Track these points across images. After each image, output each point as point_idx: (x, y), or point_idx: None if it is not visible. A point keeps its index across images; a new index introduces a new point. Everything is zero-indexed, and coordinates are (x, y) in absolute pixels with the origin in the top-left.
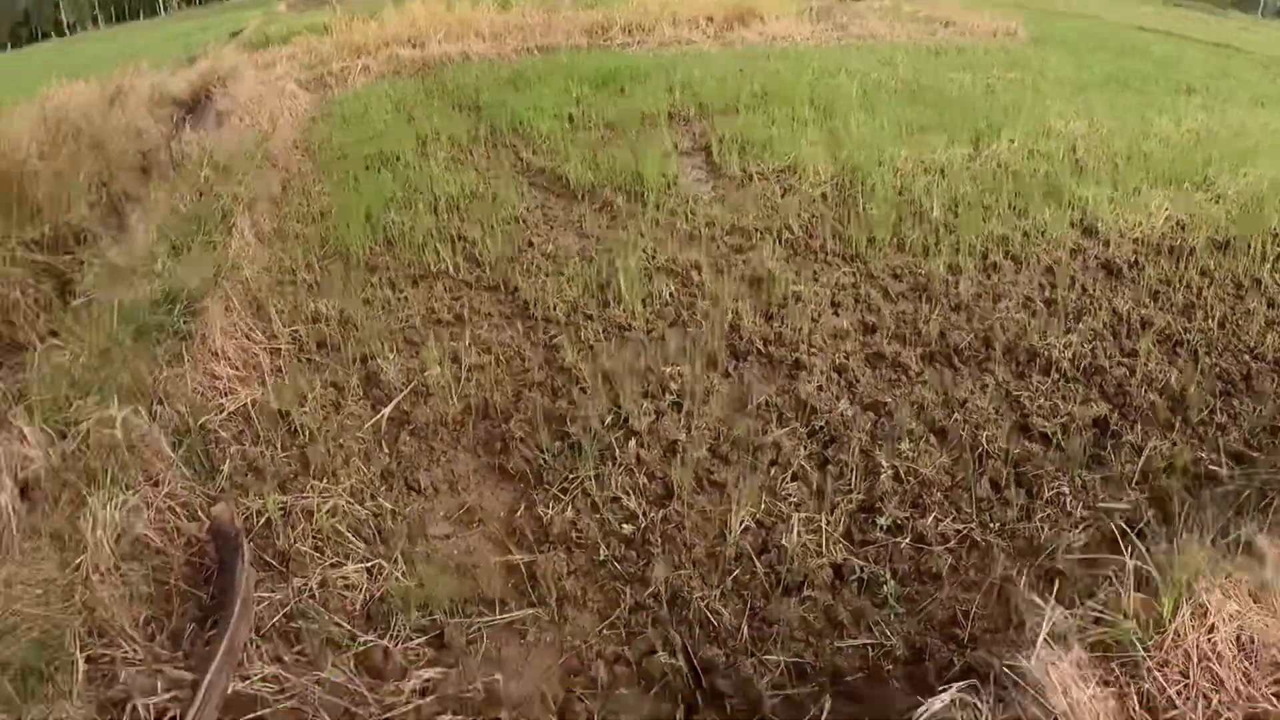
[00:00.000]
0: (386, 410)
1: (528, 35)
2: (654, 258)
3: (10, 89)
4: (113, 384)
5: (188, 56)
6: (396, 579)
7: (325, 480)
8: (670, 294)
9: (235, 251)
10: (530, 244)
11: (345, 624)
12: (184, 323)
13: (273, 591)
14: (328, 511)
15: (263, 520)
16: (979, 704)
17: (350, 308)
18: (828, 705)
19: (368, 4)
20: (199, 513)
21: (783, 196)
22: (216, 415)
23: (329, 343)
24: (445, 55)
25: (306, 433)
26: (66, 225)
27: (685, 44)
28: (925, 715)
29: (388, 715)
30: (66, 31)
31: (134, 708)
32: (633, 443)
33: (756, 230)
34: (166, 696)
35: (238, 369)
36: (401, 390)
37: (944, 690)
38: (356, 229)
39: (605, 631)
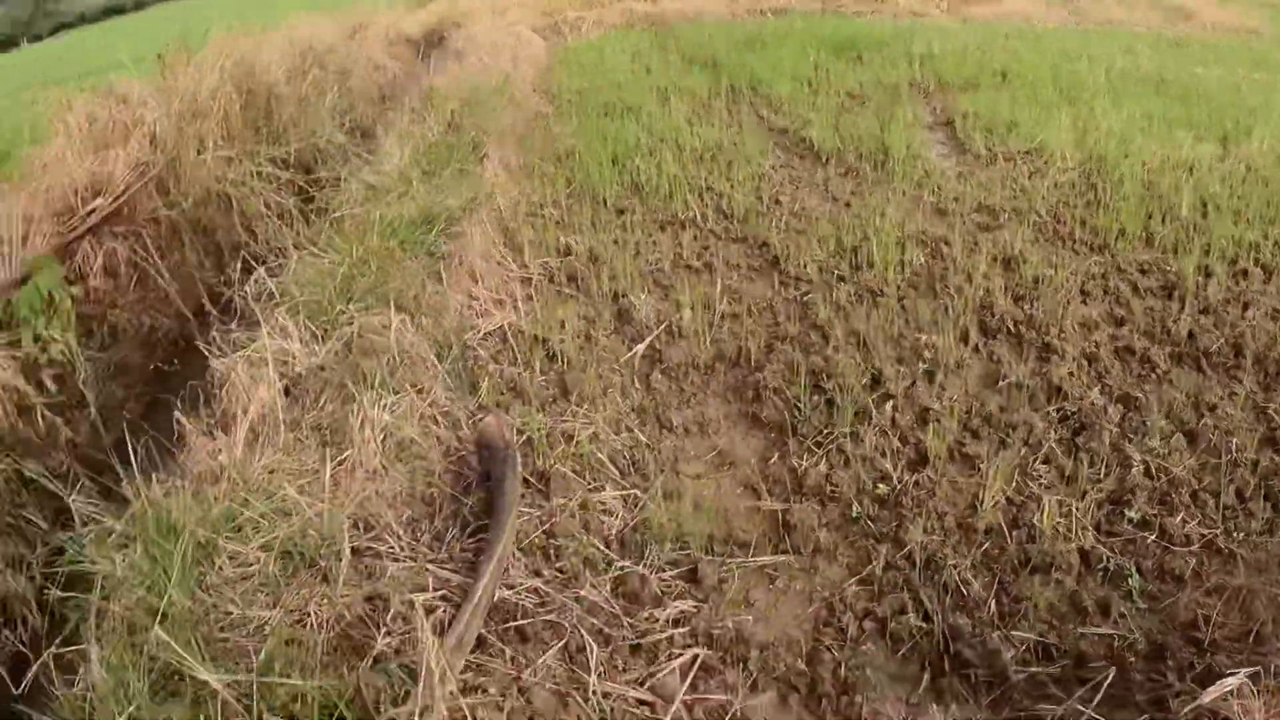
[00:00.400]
0: (641, 347)
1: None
2: (903, 227)
3: (255, 14)
4: (378, 292)
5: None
6: (652, 511)
7: (585, 407)
8: (921, 264)
9: (488, 180)
10: (777, 201)
11: (602, 547)
12: (441, 243)
13: (533, 508)
14: (588, 438)
15: (523, 439)
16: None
17: (599, 246)
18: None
19: None
20: (460, 424)
21: (1029, 179)
22: (474, 334)
23: (579, 277)
24: (679, 12)
25: (564, 359)
26: (311, 147)
27: (919, 16)
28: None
29: (640, 639)
30: None
31: (399, 602)
32: (889, 405)
33: (1004, 210)
34: (436, 595)
35: (493, 292)
36: (654, 330)
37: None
38: (603, 172)
39: (856, 587)
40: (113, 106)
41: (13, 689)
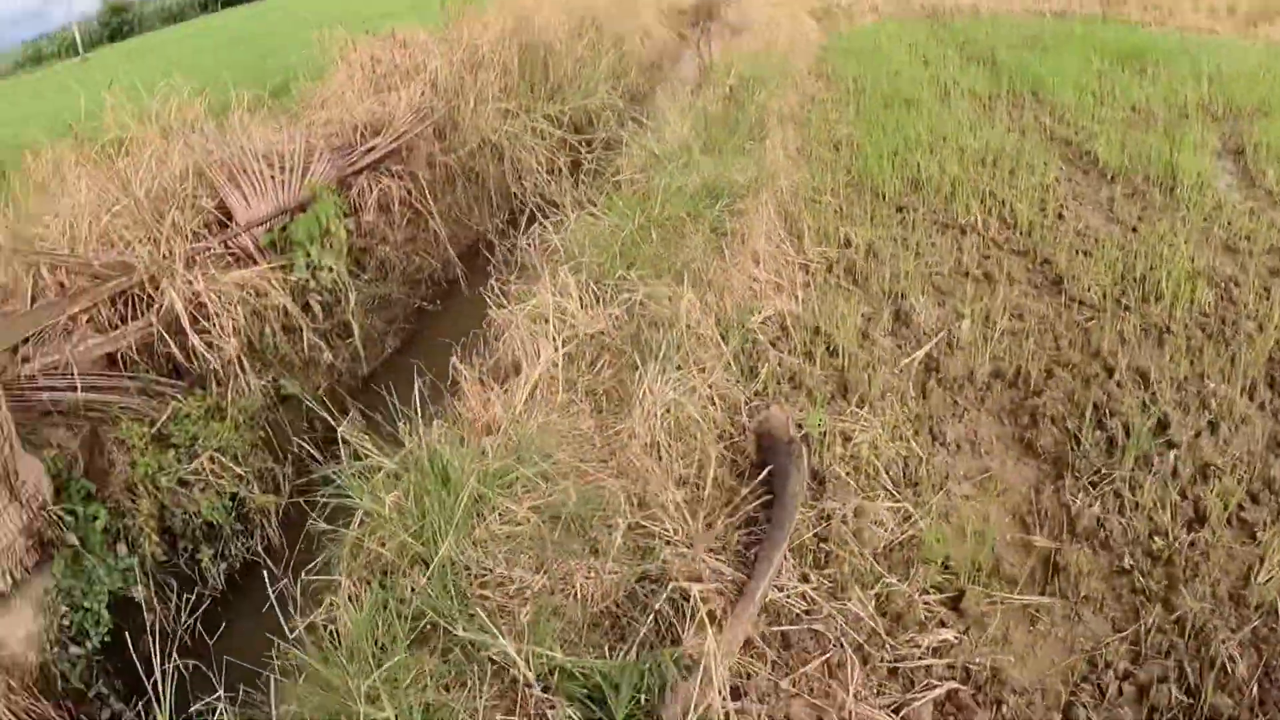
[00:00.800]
0: (920, 353)
1: None
2: (1194, 262)
3: None
4: (662, 261)
5: None
6: (922, 529)
7: (865, 409)
8: (1210, 304)
9: (770, 161)
10: (1060, 216)
11: (871, 560)
12: (725, 220)
13: (806, 509)
14: (866, 443)
15: (801, 434)
16: None
17: (879, 242)
18: None
19: None
20: (739, 408)
21: None
22: (755, 318)
23: (858, 272)
24: (955, 5)
25: (845, 356)
26: (583, 108)
27: (1206, 31)
28: None
29: (899, 663)
30: None
31: (672, 588)
32: (1172, 455)
33: None
34: (711, 586)
35: (773, 276)
36: (932, 336)
37: None
38: (882, 165)
39: (1119, 644)
40: (395, 50)
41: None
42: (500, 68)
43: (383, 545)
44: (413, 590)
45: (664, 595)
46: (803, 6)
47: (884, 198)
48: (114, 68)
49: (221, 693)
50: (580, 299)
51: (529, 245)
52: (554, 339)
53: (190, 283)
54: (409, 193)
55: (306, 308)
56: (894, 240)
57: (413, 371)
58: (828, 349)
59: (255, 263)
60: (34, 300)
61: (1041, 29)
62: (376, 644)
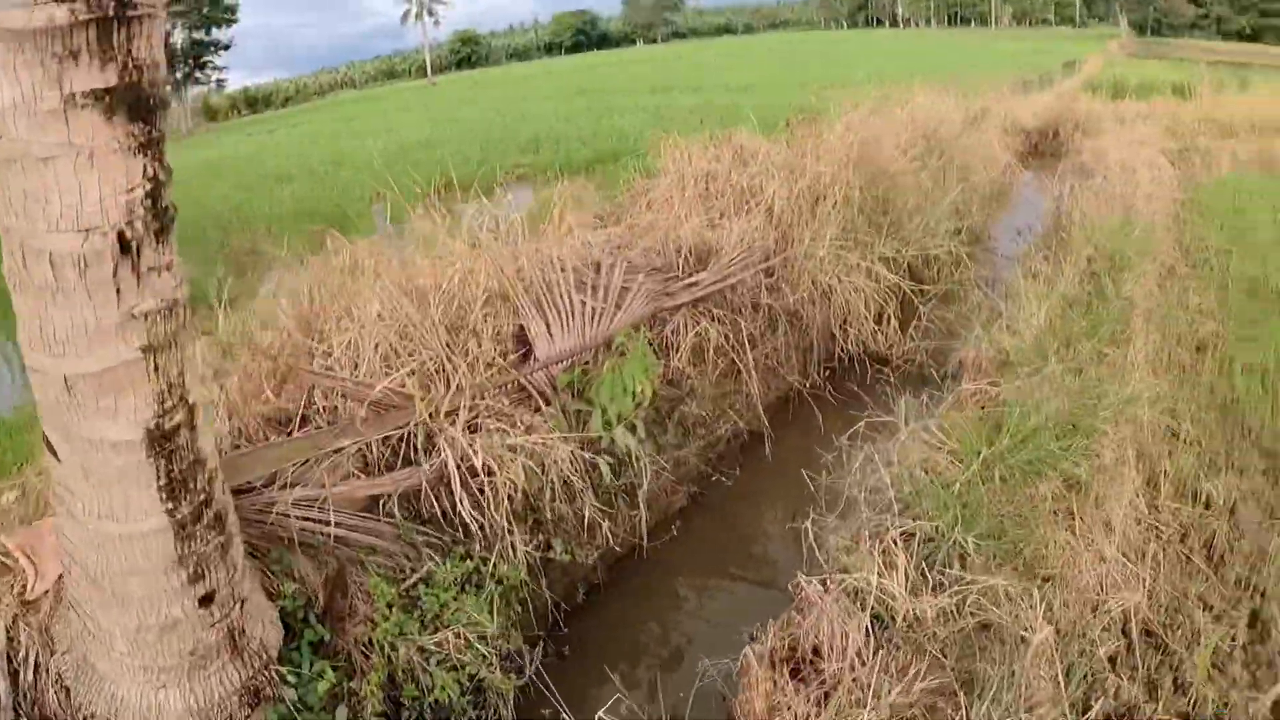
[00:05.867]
0: (1269, 698)
1: None
2: None
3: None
4: (1002, 537)
5: (1021, 80)
6: None
7: None
8: None
9: (1131, 377)
10: None
11: None
12: (1073, 464)
13: None
14: None
15: None
16: None
17: (1241, 504)
18: None
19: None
20: None
21: None
22: (1097, 623)
23: (1214, 548)
24: None
25: (1195, 694)
26: (921, 248)
27: None
28: None
29: None
30: (900, 24)
31: None
32: None
33: None
34: None
35: (1123, 558)
36: None
37: None
38: (1250, 387)
39: None
40: (732, 167)
41: None
42: (841, 199)
43: None
44: None
45: None
46: (1158, 146)
47: (1253, 436)
48: (459, 94)
49: None
50: (906, 574)
51: (851, 482)
52: (866, 631)
53: (469, 436)
54: (727, 339)
55: (594, 467)
56: (1259, 505)
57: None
58: (1174, 681)
59: (547, 402)
60: (304, 423)
61: None
62: None
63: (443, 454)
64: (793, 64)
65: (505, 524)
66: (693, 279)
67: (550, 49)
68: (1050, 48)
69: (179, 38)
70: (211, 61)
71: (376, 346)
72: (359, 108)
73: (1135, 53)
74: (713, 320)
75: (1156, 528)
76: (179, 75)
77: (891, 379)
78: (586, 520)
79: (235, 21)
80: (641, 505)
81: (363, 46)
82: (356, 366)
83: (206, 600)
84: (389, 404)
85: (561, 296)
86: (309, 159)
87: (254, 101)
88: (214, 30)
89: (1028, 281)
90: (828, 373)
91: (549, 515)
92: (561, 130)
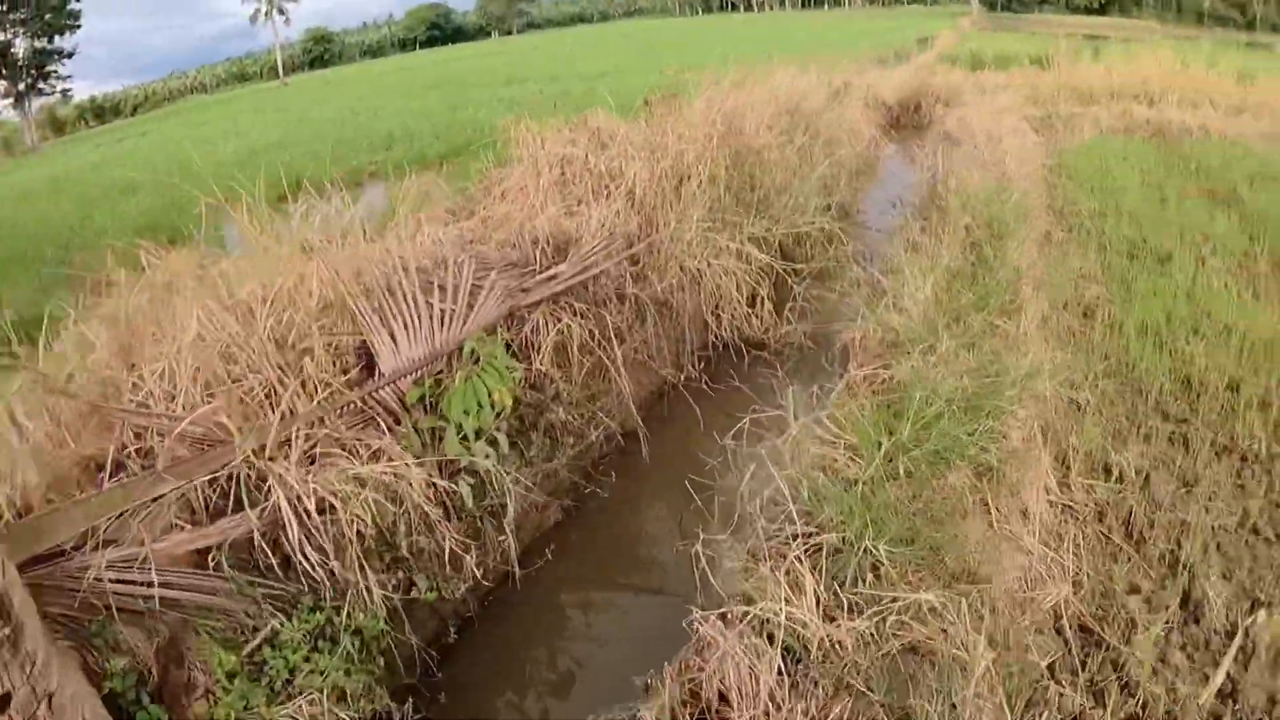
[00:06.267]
0: (1213, 684)
1: (1276, 120)
2: None
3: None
4: (918, 539)
5: (878, 57)
6: None
7: None
8: None
9: (1026, 349)
10: None
11: None
12: (991, 451)
13: None
14: None
15: None
16: None
17: (1153, 474)
18: None
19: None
20: None
21: None
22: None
23: (1134, 524)
24: (1182, 124)
25: (1144, 693)
26: (792, 226)
27: None
28: None
29: None
30: (755, 8)
31: None
32: None
33: None
34: None
35: (1045, 543)
36: (1230, 642)
37: None
38: (1143, 350)
39: None
40: (589, 151)
41: None
42: (706, 178)
43: None
44: None
45: None
46: (1021, 114)
47: (1151, 400)
48: (312, 93)
49: None
50: (816, 596)
51: (743, 490)
52: (779, 670)
53: (306, 469)
54: (592, 335)
55: (454, 490)
56: (1170, 473)
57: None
58: (1119, 681)
59: (397, 421)
60: (118, 469)
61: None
62: None
63: (275, 495)
64: (649, 49)
65: (356, 567)
66: (551, 272)
67: (405, 45)
68: (904, 25)
69: (20, 47)
70: (55, 71)
71: (196, 373)
72: (210, 112)
73: (987, 27)
74: (575, 315)
75: (1071, 508)
76: (21, 87)
77: (770, 364)
78: (450, 551)
79: (79, 28)
80: (509, 529)
81: (214, 49)
82: (173, 399)
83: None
84: (213, 439)
85: (407, 301)
86: (156, 168)
87: (102, 111)
88: (57, 38)
89: (909, 255)
90: (703, 363)
91: (408, 550)
92: (415, 125)
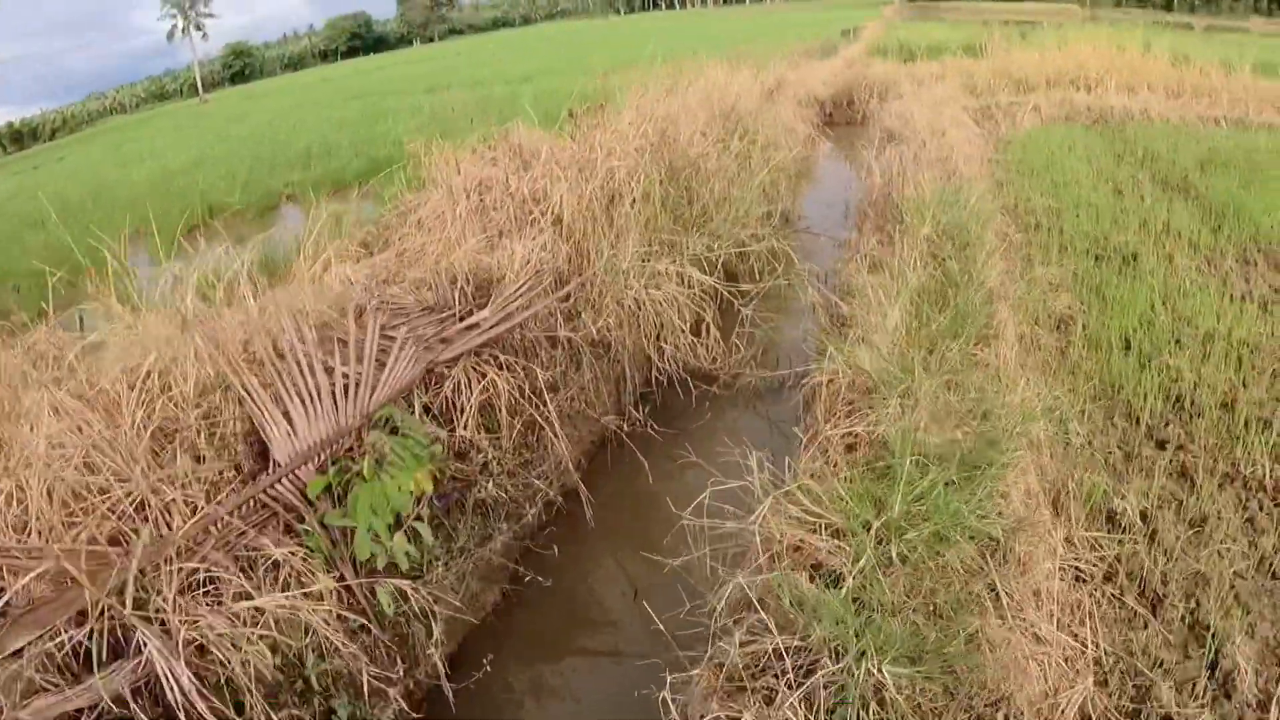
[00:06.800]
0: None
1: (1214, 101)
2: None
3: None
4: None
5: (805, 49)
6: None
7: None
8: None
9: (1009, 381)
10: None
11: None
12: (995, 524)
13: None
14: None
15: None
16: None
17: (1156, 515)
18: None
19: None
20: None
21: None
22: None
23: (1146, 581)
24: (1123, 109)
25: None
26: (737, 246)
27: None
28: None
29: None
30: (678, 5)
31: None
32: None
33: None
34: None
35: (1061, 633)
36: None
37: None
38: (1124, 367)
39: None
40: (510, 173)
41: None
42: (640, 196)
43: None
44: None
45: None
46: (960, 105)
47: (1140, 425)
48: (232, 109)
49: None
50: None
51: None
52: None
53: (186, 599)
54: (523, 391)
55: (372, 592)
56: (1176, 514)
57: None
58: None
59: (300, 519)
60: None
61: (1225, 143)
62: None
63: (145, 645)
64: (573, 50)
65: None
66: (473, 319)
67: (326, 56)
68: (828, 17)
69: None
70: None
71: (49, 490)
72: (128, 133)
73: (910, 16)
74: (501, 369)
75: (1078, 569)
76: None
77: (721, 398)
78: (368, 670)
79: None
80: (436, 642)
81: (135, 68)
82: (24, 526)
83: None
84: (76, 572)
85: (305, 371)
86: (67, 196)
87: (20, 136)
88: None
89: (868, 273)
90: (647, 405)
91: (317, 682)
92: (335, 139)
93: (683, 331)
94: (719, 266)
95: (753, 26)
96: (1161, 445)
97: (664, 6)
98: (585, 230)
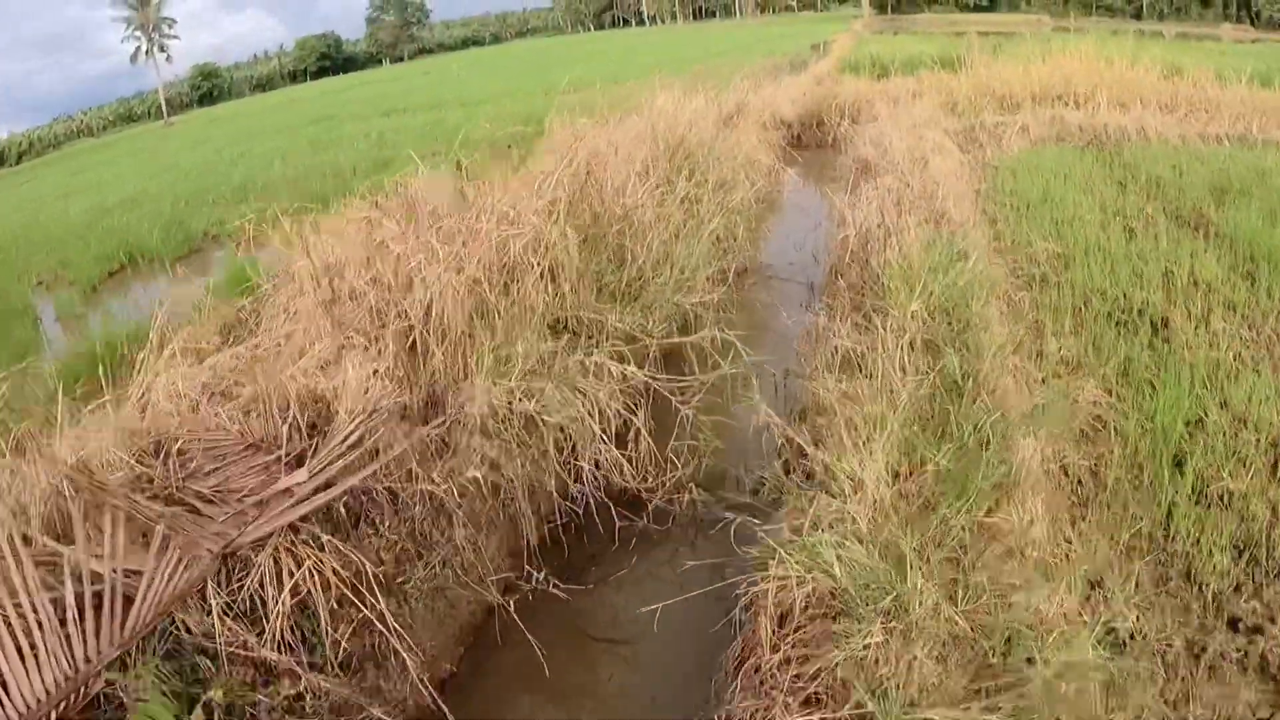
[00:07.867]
0: None
1: (1213, 116)
2: None
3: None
4: None
5: (773, 65)
6: None
7: None
8: None
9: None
10: None
11: None
12: None
13: None
14: None
15: None
16: None
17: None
18: None
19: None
20: None
21: None
22: None
23: None
24: (1119, 127)
25: None
26: (678, 317)
27: None
28: None
29: None
30: (646, 22)
31: None
32: None
33: None
34: None
35: None
36: None
37: None
38: (1177, 509)
39: None
40: (371, 248)
41: None
42: (548, 265)
43: None
44: None
45: None
46: (940, 127)
47: (1209, 595)
48: (195, 133)
49: None
50: None
51: None
52: None
53: None
54: (359, 575)
55: None
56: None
57: None
58: None
59: None
60: None
61: (1234, 166)
62: None
63: None
64: (539, 69)
65: None
66: (291, 480)
67: (295, 76)
68: (797, 31)
69: None
70: None
71: None
72: (91, 158)
73: (881, 30)
74: (321, 550)
75: None
76: None
77: (648, 534)
78: None
79: None
80: None
81: (104, 89)
82: None
83: None
84: None
85: (23, 590)
86: (11, 229)
87: None
88: None
89: (838, 378)
90: (554, 550)
91: None
92: (276, 172)
93: (604, 440)
94: (653, 350)
95: (721, 43)
96: (1235, 627)
97: (634, 23)
98: (462, 329)
